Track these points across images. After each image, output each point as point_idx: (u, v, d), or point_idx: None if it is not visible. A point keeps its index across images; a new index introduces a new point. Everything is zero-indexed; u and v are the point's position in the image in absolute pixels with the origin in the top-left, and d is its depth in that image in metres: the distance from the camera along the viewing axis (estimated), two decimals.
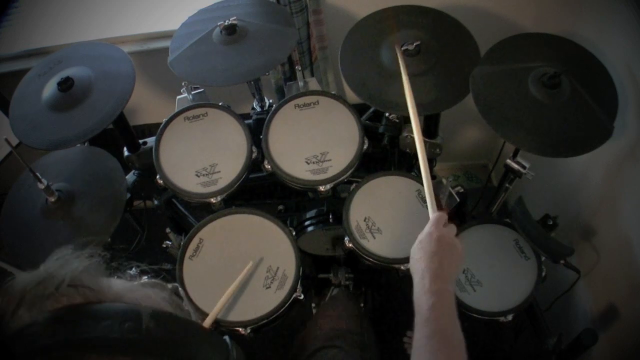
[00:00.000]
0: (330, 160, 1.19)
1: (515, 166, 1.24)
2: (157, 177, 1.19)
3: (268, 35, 1.27)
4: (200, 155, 1.21)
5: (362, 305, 1.63)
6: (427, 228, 0.84)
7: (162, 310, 0.45)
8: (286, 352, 1.19)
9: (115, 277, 0.47)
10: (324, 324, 1.17)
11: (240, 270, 1.12)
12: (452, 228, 0.87)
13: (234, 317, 1.08)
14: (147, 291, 0.46)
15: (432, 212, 0.88)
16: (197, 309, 1.08)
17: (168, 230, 1.32)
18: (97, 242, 1.09)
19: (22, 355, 0.36)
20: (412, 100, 1.01)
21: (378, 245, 1.13)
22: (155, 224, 1.49)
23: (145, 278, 0.48)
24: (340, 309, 1.24)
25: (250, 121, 1.40)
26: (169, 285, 0.49)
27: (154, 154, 1.20)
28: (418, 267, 0.79)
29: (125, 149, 1.38)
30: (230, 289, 1.00)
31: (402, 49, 1.18)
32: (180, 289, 0.52)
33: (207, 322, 0.87)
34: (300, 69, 1.40)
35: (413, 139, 1.34)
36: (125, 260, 0.52)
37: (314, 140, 1.21)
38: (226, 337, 0.49)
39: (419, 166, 0.95)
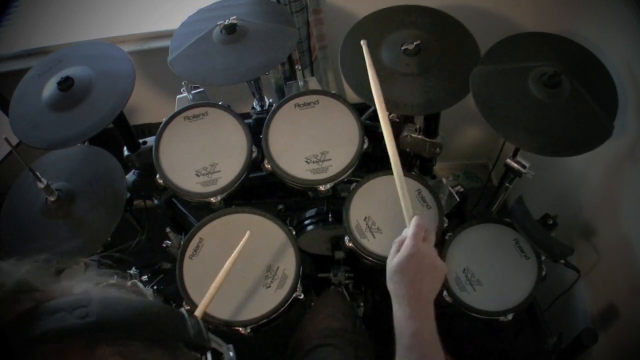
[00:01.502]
0: (330, 159, 1.19)
1: (515, 166, 1.24)
2: (157, 176, 1.19)
3: (268, 35, 1.27)
4: (200, 154, 1.21)
5: (361, 304, 1.63)
6: (406, 248, 0.80)
7: (111, 294, 0.45)
8: (285, 351, 1.19)
9: (67, 277, 0.47)
10: (318, 323, 1.17)
11: (240, 269, 1.13)
12: (432, 239, 0.84)
13: (234, 316, 1.08)
14: (97, 284, 0.46)
15: (409, 225, 0.85)
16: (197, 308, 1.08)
17: (168, 229, 1.32)
18: (96, 242, 1.09)
19: None
20: (378, 91, 0.99)
21: (378, 244, 1.13)
22: (155, 224, 1.49)
23: (147, 281, 0.48)
24: (333, 308, 1.24)
25: (250, 120, 1.40)
26: (129, 283, 0.50)
27: (153, 153, 1.20)
28: (398, 292, 0.77)
29: (125, 148, 1.38)
30: (227, 265, 0.95)
31: (402, 48, 1.18)
32: (139, 284, 0.52)
33: (200, 310, 0.86)
34: (300, 68, 1.40)
35: (414, 138, 1.35)
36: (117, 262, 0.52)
37: (314, 140, 1.21)
38: (182, 309, 0.49)
39: (402, 176, 0.92)
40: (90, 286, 0.45)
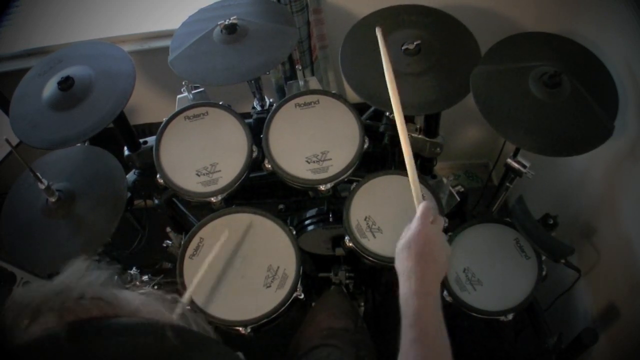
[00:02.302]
0: (330, 159, 1.19)
1: (516, 165, 1.24)
2: (158, 176, 1.19)
3: (268, 35, 1.27)
4: (201, 154, 1.21)
5: (362, 304, 1.63)
6: (414, 225, 0.81)
7: (179, 324, 0.44)
8: (286, 351, 1.19)
9: (130, 289, 0.46)
10: (319, 323, 1.17)
11: (240, 269, 1.13)
12: (440, 221, 0.84)
13: (234, 316, 1.08)
14: (160, 307, 0.45)
15: (417, 206, 0.85)
16: (197, 308, 1.08)
17: (168, 229, 1.32)
18: (98, 242, 1.09)
19: None
20: (394, 89, 0.96)
21: (378, 244, 1.13)
22: (156, 223, 1.49)
23: (147, 281, 0.48)
24: (334, 307, 1.24)
25: (250, 120, 1.40)
26: (169, 297, 0.49)
27: (154, 153, 1.20)
28: (404, 267, 0.77)
29: (125, 148, 1.38)
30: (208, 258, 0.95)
31: (403, 48, 1.18)
32: (179, 299, 0.51)
33: (185, 296, 0.85)
34: (300, 68, 1.40)
35: (414, 138, 1.35)
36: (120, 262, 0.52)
37: (314, 140, 1.21)
38: (239, 354, 0.48)
39: (412, 159, 0.89)
40: (156, 308, 0.44)
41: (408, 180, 0.87)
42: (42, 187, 1.07)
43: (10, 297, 0.39)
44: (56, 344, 0.36)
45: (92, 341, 0.37)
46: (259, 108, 1.48)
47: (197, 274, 0.92)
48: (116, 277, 0.45)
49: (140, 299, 0.44)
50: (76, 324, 0.38)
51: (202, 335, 0.44)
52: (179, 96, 1.40)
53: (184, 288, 1.08)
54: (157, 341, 0.38)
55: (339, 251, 1.48)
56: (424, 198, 0.88)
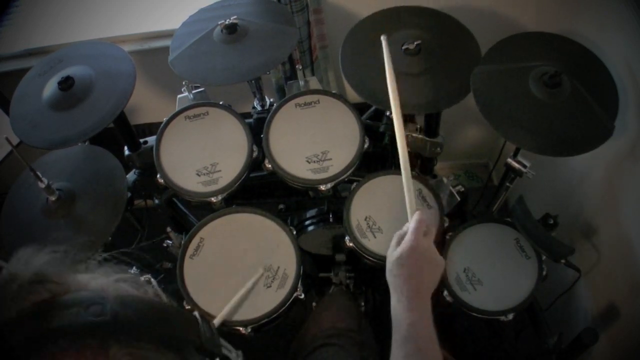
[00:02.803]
0: (331, 159, 1.19)
1: (516, 165, 1.24)
2: (158, 176, 1.19)
3: (269, 35, 1.27)
4: (201, 154, 1.21)
5: (362, 304, 1.63)
6: (406, 242, 0.81)
7: (127, 293, 0.45)
8: (287, 351, 1.19)
9: (83, 270, 0.47)
10: (323, 323, 1.17)
11: (240, 269, 1.13)
12: (431, 235, 0.85)
13: (234, 316, 1.08)
14: (113, 280, 0.46)
15: (411, 219, 0.86)
16: (198, 308, 1.08)
17: (169, 229, 1.32)
18: (97, 241, 1.09)
19: None
20: (395, 94, 0.97)
21: (379, 244, 1.13)
22: (156, 223, 1.49)
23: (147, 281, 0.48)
24: (338, 308, 1.24)
25: (250, 120, 1.40)
26: (142, 278, 0.49)
27: (154, 153, 1.20)
28: (397, 284, 0.78)
29: (125, 148, 1.38)
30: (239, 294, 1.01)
31: (403, 48, 1.18)
32: (152, 280, 0.52)
33: (218, 319, 0.87)
34: (300, 68, 1.40)
35: (414, 138, 1.35)
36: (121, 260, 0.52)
37: (314, 140, 1.21)
38: (195, 313, 0.49)
39: (402, 162, 0.92)
40: (105, 281, 0.45)
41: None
42: (42, 186, 1.07)
43: None
44: (8, 332, 0.37)
45: (40, 323, 0.38)
46: (259, 108, 1.48)
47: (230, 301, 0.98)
48: (71, 255, 0.46)
49: (90, 275, 0.45)
50: (27, 310, 0.39)
51: (150, 301, 0.45)
52: (179, 96, 1.40)
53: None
54: (100, 310, 0.39)
55: (340, 257, 1.48)
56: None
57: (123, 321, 0.40)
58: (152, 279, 0.56)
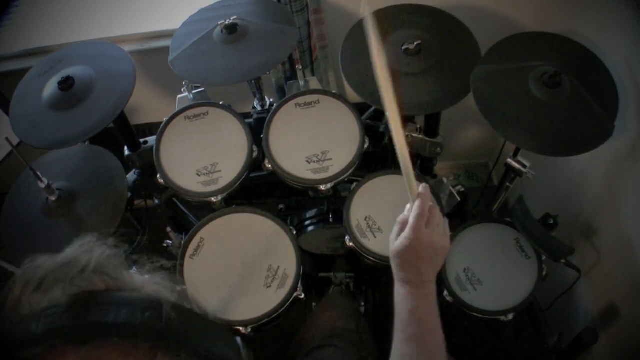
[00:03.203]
0: (331, 159, 1.19)
1: (516, 165, 1.24)
2: (158, 176, 1.19)
3: (269, 35, 1.27)
4: (201, 154, 1.21)
5: (362, 304, 1.63)
6: (406, 238, 0.77)
7: (179, 303, 0.45)
8: (286, 351, 1.19)
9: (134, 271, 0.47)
10: (321, 323, 1.17)
11: (240, 269, 1.13)
12: (435, 219, 0.80)
13: (234, 316, 1.08)
14: (162, 288, 0.46)
15: (412, 201, 0.81)
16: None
17: (169, 229, 1.32)
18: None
19: (40, 336, 0.37)
20: (386, 81, 0.86)
21: (379, 244, 1.13)
22: (156, 223, 1.49)
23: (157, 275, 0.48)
24: (337, 309, 1.24)
25: (251, 120, 1.40)
26: (178, 288, 0.50)
27: (154, 153, 1.20)
28: (398, 274, 0.77)
29: (126, 148, 1.38)
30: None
31: (403, 48, 1.18)
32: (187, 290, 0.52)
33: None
34: (300, 68, 1.40)
35: (414, 138, 1.35)
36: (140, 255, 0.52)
37: (314, 140, 1.21)
38: (237, 338, 0.50)
39: (402, 157, 0.82)
40: (158, 288, 0.45)
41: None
42: (42, 185, 1.07)
43: (19, 270, 0.41)
44: (58, 313, 0.37)
45: (92, 312, 0.38)
46: (259, 108, 1.48)
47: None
48: (123, 255, 0.46)
49: (143, 278, 0.46)
50: (79, 295, 0.39)
51: (200, 315, 0.45)
52: (179, 96, 1.40)
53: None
54: (157, 315, 0.40)
55: (339, 252, 1.48)
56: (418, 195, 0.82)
57: (176, 330, 0.40)
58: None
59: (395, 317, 0.74)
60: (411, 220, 0.79)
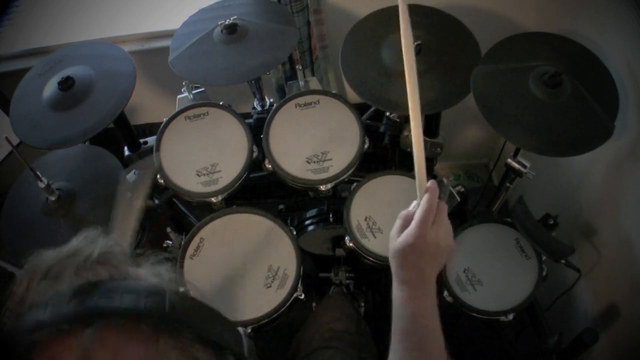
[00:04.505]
0: (331, 159, 1.19)
1: (516, 165, 1.24)
2: (158, 176, 1.19)
3: (269, 35, 1.27)
4: (201, 154, 1.21)
5: (362, 304, 1.63)
6: (411, 236, 0.73)
7: (183, 291, 0.46)
8: (286, 352, 1.19)
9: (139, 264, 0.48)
10: (321, 325, 1.17)
11: (240, 269, 1.12)
12: (442, 217, 0.76)
13: (234, 316, 1.08)
14: (164, 279, 0.47)
15: (419, 198, 0.77)
16: None
17: (169, 229, 1.32)
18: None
19: (47, 322, 0.37)
20: (414, 81, 0.83)
21: (379, 244, 1.13)
22: (156, 224, 1.48)
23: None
24: (336, 310, 1.23)
25: (250, 120, 1.40)
26: (181, 289, 0.50)
27: (154, 153, 1.20)
28: (398, 275, 0.73)
29: (126, 148, 1.38)
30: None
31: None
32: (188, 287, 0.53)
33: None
34: (300, 68, 1.40)
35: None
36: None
37: (314, 140, 1.21)
38: (239, 328, 0.50)
39: (414, 158, 0.79)
40: (161, 279, 0.46)
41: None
42: (42, 185, 1.07)
43: (26, 263, 0.43)
44: (64, 301, 0.38)
45: (98, 298, 0.39)
46: (259, 108, 1.48)
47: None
48: (127, 249, 0.47)
49: (146, 270, 0.47)
50: (84, 284, 0.40)
51: (203, 303, 0.46)
52: (179, 96, 1.40)
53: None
54: (160, 301, 0.40)
55: (339, 252, 1.47)
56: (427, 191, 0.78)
57: (178, 315, 0.41)
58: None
59: (393, 323, 0.71)
60: (418, 215, 0.74)
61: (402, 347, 0.69)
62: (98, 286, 0.40)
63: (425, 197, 0.76)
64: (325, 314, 1.21)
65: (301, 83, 1.39)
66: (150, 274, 0.46)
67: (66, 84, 1.15)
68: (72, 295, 0.39)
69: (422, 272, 0.72)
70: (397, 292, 0.73)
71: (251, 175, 1.22)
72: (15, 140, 1.11)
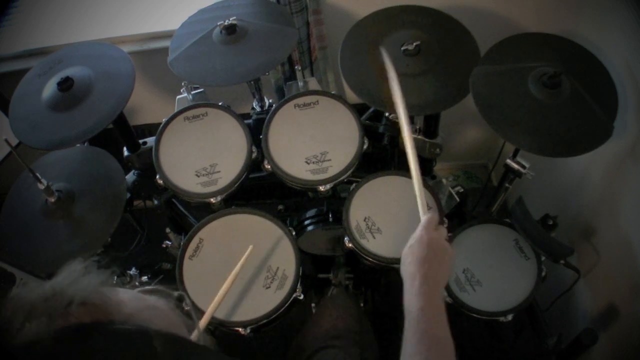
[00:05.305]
0: (330, 160, 1.19)
1: (515, 166, 1.24)
2: (157, 177, 1.19)
3: (268, 35, 1.27)
4: (200, 155, 1.21)
5: (362, 305, 1.63)
6: (418, 232, 0.84)
7: (171, 333, 0.45)
8: (286, 352, 1.19)
9: (124, 286, 0.47)
10: (324, 324, 1.17)
11: (240, 270, 1.12)
12: (443, 231, 0.87)
13: (233, 317, 1.08)
14: (155, 304, 0.46)
15: (422, 214, 0.88)
16: (197, 309, 1.08)
17: (168, 230, 1.32)
18: (97, 242, 1.09)
19: None
20: (401, 101, 0.97)
21: (378, 245, 1.13)
22: (155, 224, 1.49)
23: (147, 282, 0.48)
24: (339, 309, 1.23)
25: (250, 121, 1.40)
26: (175, 294, 0.49)
27: (153, 153, 1.20)
28: (408, 271, 0.79)
29: (125, 148, 1.38)
30: (227, 281, 0.92)
31: (402, 48, 1.18)
32: (185, 296, 0.52)
33: (202, 322, 0.86)
34: (300, 68, 1.40)
35: (413, 139, 1.34)
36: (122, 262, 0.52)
37: (313, 140, 1.21)
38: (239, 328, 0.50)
39: (409, 166, 0.93)
40: (143, 305, 0.45)
41: (409, 183, 0.88)
42: (42, 187, 1.07)
43: (8, 296, 0.41)
44: (44, 349, 0.37)
45: (78, 348, 0.38)
46: (258, 109, 1.48)
47: (218, 293, 0.90)
48: (115, 278, 0.46)
49: (133, 302, 0.45)
50: (65, 330, 0.39)
51: (193, 344, 0.45)
52: (178, 97, 1.40)
53: (184, 291, 1.08)
54: (143, 350, 0.40)
55: (339, 252, 1.48)
56: (429, 207, 0.90)
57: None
58: (186, 295, 0.56)
59: (405, 319, 0.74)
60: (422, 220, 0.85)
61: (413, 339, 0.71)
62: (76, 333, 0.39)
63: (428, 214, 0.87)
64: (328, 312, 1.21)
65: (300, 84, 1.39)
66: (137, 306, 0.45)
67: (65, 84, 1.15)
68: (53, 343, 0.38)
69: (430, 267, 0.78)
70: (408, 290, 0.78)
71: (250, 176, 1.22)
72: (14, 141, 1.11)
